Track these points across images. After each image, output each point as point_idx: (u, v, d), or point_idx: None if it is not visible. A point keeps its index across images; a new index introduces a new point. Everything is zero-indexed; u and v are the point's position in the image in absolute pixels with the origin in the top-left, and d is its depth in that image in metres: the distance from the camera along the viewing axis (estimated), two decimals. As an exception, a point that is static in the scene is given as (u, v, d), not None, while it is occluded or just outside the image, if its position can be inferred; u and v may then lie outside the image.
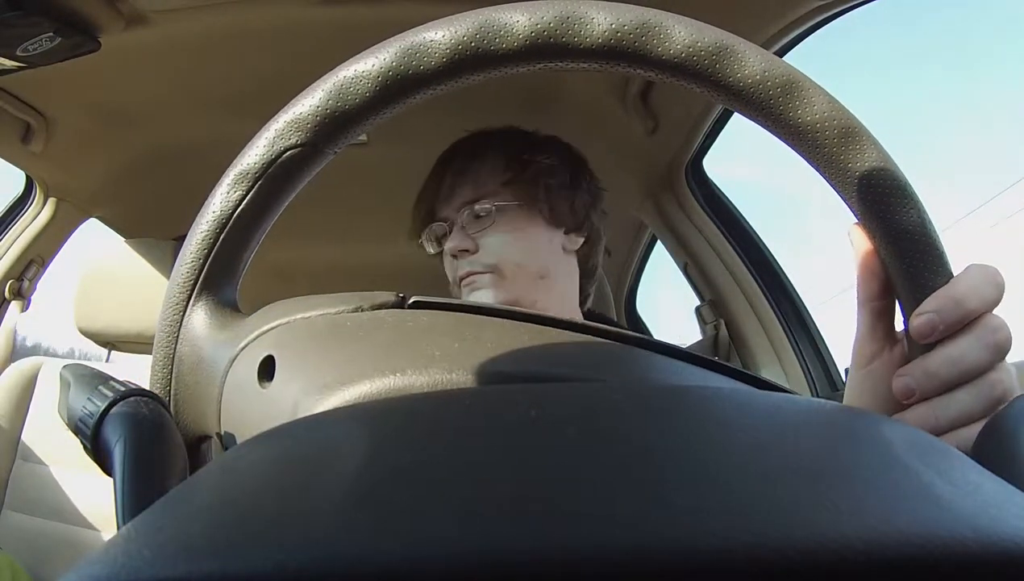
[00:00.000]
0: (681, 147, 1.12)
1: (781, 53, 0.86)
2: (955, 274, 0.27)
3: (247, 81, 1.04)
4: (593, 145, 0.85)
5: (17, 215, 1.30)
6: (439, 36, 0.26)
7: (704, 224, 1.19)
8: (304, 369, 0.25)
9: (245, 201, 0.29)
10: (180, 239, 0.30)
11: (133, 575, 0.12)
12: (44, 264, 1.35)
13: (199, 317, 0.30)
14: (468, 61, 0.26)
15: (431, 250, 0.75)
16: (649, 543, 0.13)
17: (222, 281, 0.30)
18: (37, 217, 1.30)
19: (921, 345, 0.27)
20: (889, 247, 0.27)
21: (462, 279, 0.69)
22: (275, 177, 0.28)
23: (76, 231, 1.37)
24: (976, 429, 0.25)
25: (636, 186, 1.24)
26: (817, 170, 0.27)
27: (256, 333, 0.28)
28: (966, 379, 0.26)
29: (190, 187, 0.87)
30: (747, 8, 0.80)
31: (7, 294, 1.30)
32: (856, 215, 0.27)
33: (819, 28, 0.83)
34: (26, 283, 1.32)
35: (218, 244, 0.29)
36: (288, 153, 0.28)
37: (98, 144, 1.21)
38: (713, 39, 0.25)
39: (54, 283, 1.45)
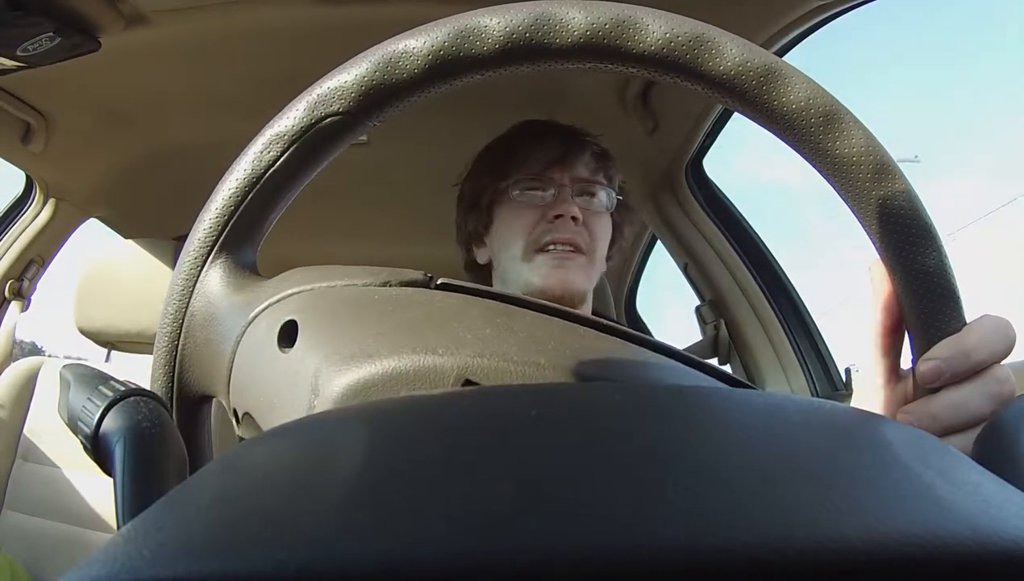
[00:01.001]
0: (681, 147, 1.12)
1: (781, 53, 0.86)
2: (968, 322, 0.27)
3: (247, 81, 1.04)
4: (593, 145, 0.85)
5: (17, 215, 1.30)
6: (494, 22, 0.26)
7: (704, 224, 1.19)
8: (329, 337, 0.25)
9: (278, 163, 0.28)
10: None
11: (133, 575, 0.12)
12: (44, 264, 1.35)
13: (216, 274, 0.29)
14: (520, 51, 0.26)
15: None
16: (648, 543, 0.13)
17: (244, 241, 0.30)
18: (37, 217, 1.30)
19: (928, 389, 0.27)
20: (906, 286, 0.27)
21: (555, 243, 0.69)
22: (312, 142, 0.28)
23: (76, 231, 1.37)
24: None
25: (636, 186, 1.24)
26: (845, 201, 0.27)
27: (278, 296, 0.28)
28: (966, 426, 0.27)
29: (190, 187, 0.87)
30: (747, 8, 0.80)
31: (7, 294, 1.30)
32: (878, 250, 0.27)
33: (819, 28, 0.83)
34: (26, 283, 1.32)
35: (245, 203, 0.29)
36: (329, 120, 0.28)
37: (98, 144, 1.21)
38: (762, 61, 0.25)
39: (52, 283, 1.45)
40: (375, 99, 0.27)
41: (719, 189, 1.21)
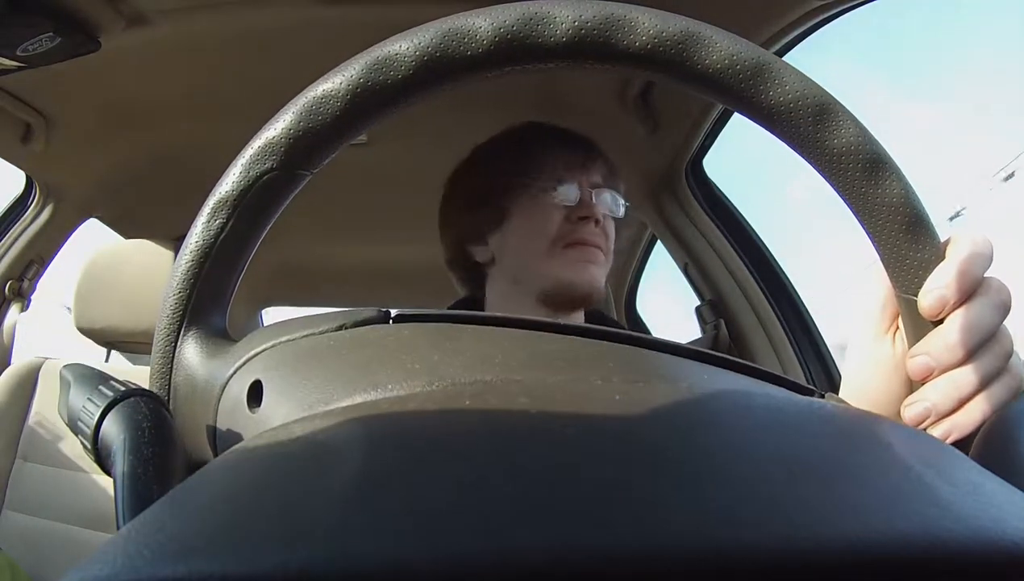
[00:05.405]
0: (681, 147, 1.12)
1: (781, 53, 0.86)
2: (940, 244, 0.27)
3: (247, 81, 1.04)
4: (593, 145, 0.85)
5: (17, 215, 1.30)
6: (404, 48, 0.26)
7: (704, 224, 1.19)
8: (289, 392, 0.25)
9: (226, 230, 0.29)
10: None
11: (133, 575, 0.12)
12: (44, 264, 1.35)
13: (190, 347, 0.30)
14: (432, 70, 0.26)
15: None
16: (646, 544, 0.13)
17: (211, 310, 0.30)
18: (37, 217, 1.30)
19: (932, 322, 0.27)
20: (872, 223, 0.27)
21: (580, 242, 0.72)
22: (252, 203, 0.28)
23: (76, 231, 1.37)
24: (998, 388, 0.26)
25: (636, 186, 1.24)
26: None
27: (243, 359, 0.28)
28: (984, 343, 0.26)
29: (190, 187, 0.87)
30: (747, 8, 0.80)
31: (7, 294, 1.30)
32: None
33: (819, 28, 0.83)
34: (26, 283, 1.32)
35: (203, 274, 0.29)
36: (264, 178, 0.28)
37: (98, 144, 1.21)
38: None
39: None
40: (303, 148, 0.27)
41: (719, 189, 1.21)
